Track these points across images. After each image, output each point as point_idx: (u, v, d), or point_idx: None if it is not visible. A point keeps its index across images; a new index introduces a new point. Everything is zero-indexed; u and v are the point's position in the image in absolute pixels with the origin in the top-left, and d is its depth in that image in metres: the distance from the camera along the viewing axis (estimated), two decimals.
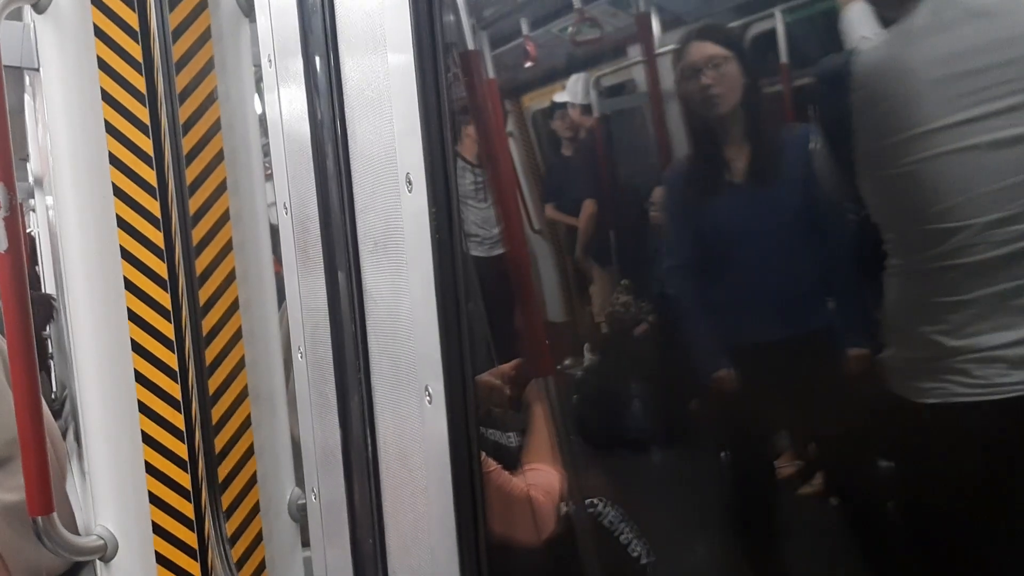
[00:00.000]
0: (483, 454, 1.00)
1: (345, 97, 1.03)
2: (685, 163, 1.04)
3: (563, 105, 1.25)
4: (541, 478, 1.32)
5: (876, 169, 0.84)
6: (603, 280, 1.27)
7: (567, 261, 1.31)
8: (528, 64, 1.24)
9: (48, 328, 4.09)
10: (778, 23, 0.90)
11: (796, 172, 0.92)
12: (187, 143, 1.71)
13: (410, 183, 0.85)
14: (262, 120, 1.75)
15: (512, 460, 1.31)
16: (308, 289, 1.17)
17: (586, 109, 1.20)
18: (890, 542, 0.88)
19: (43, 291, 4.24)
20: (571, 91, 1.24)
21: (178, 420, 1.69)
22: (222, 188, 1.74)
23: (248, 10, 1.73)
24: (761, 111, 0.94)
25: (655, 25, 1.09)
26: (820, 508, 0.94)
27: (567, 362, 1.29)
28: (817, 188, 0.90)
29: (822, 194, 0.90)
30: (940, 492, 0.81)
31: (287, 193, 1.21)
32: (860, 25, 0.80)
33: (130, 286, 1.66)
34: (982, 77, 0.76)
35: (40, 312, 3.48)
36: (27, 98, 3.24)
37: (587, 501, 1.29)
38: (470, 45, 1.11)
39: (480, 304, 1.05)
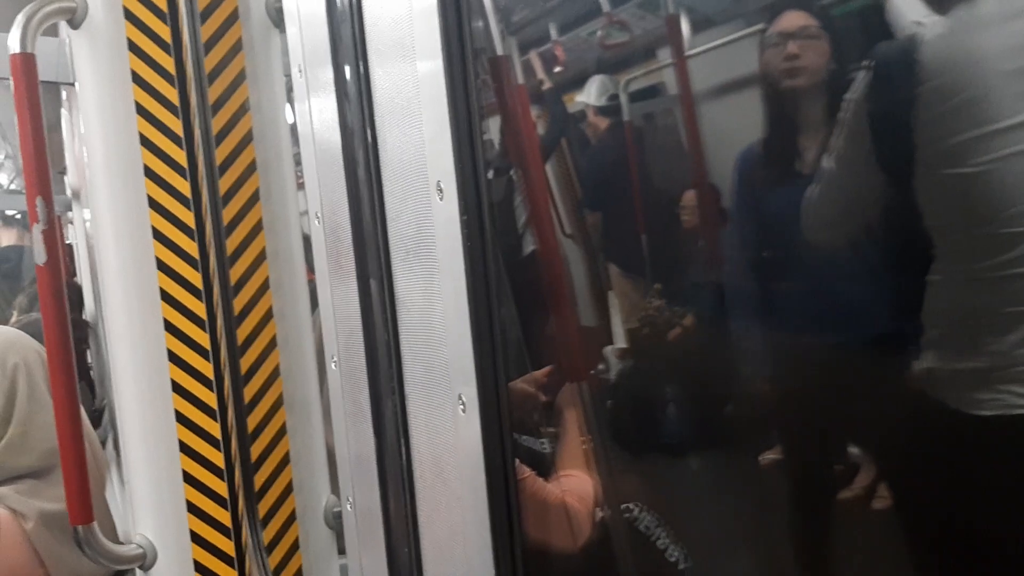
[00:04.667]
0: (517, 461, 1.00)
1: (375, 104, 1.03)
2: (742, 169, 1.03)
3: (598, 107, 1.24)
4: (576, 484, 1.31)
5: (942, 169, 0.81)
6: (638, 283, 1.26)
7: (601, 265, 1.30)
8: (559, 68, 1.24)
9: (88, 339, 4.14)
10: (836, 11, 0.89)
11: (859, 168, 0.89)
12: (220, 154, 1.72)
13: (441, 191, 0.85)
14: (294, 130, 1.76)
15: (547, 467, 1.31)
16: (341, 297, 1.17)
17: (620, 110, 1.20)
18: (939, 556, 0.86)
19: (82, 299, 4.30)
20: (604, 92, 1.23)
21: (215, 429, 1.70)
22: (255, 198, 1.75)
23: (278, 21, 1.74)
24: (827, 101, 0.92)
25: (685, 27, 1.08)
26: (863, 517, 0.92)
27: (600, 367, 1.28)
28: (879, 188, 0.88)
29: (883, 194, 0.88)
30: (997, 507, 0.79)
31: (319, 202, 1.21)
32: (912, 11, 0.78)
33: (166, 296, 1.68)
34: None
35: (78, 334, 3.53)
36: (63, 112, 3.29)
37: (623, 507, 1.28)
38: (500, 51, 1.10)
39: (513, 310, 1.04)
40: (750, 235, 1.06)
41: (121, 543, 1.74)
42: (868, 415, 0.91)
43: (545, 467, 1.30)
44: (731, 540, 1.12)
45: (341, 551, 1.78)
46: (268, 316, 1.75)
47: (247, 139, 1.74)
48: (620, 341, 1.28)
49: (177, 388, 1.68)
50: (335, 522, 1.79)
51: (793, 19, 0.92)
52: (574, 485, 1.32)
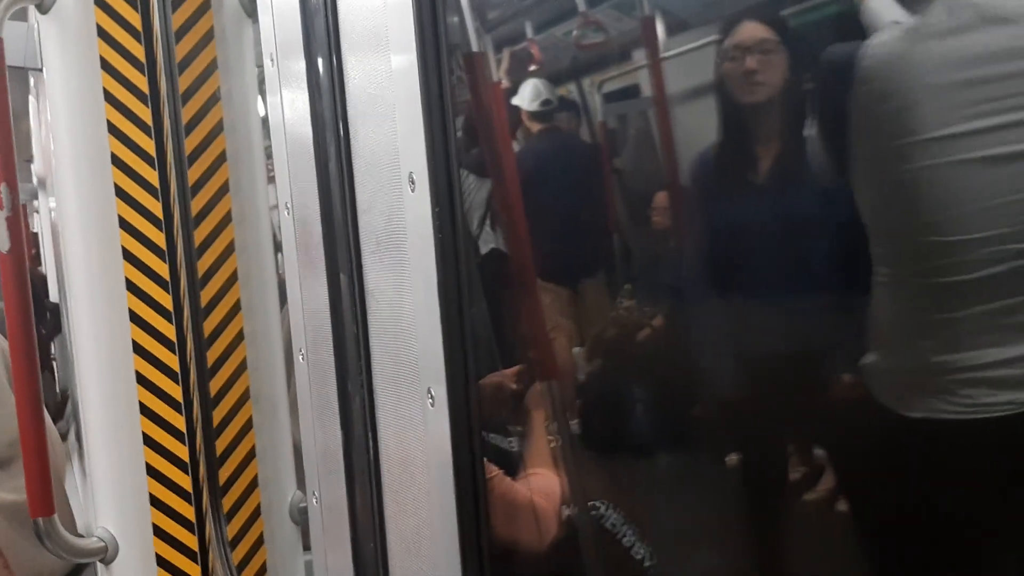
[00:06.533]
0: (484, 460, 0.99)
1: (347, 97, 1.02)
2: (700, 162, 1.03)
3: (569, 106, 1.24)
4: (543, 483, 1.31)
5: (876, 173, 0.82)
6: (607, 284, 1.26)
7: (572, 264, 1.30)
8: (534, 67, 1.24)
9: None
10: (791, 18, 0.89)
11: (806, 174, 0.90)
12: (189, 144, 1.70)
13: (413, 182, 0.84)
14: (265, 122, 1.74)
15: (514, 465, 1.31)
16: (309, 290, 1.16)
17: (594, 110, 1.20)
18: (870, 553, 0.87)
19: (48, 292, 4.24)
20: (536, 97, 1.24)
21: (179, 422, 1.68)
22: (224, 189, 1.73)
23: (251, 10, 1.72)
24: (782, 108, 0.93)
25: (660, 28, 1.08)
26: (814, 516, 0.93)
27: (569, 366, 1.28)
28: (818, 190, 0.89)
29: (822, 196, 0.89)
30: (922, 507, 0.80)
31: (288, 193, 1.20)
32: (885, 13, 0.78)
33: (132, 287, 1.66)
34: (991, 88, 0.74)
35: (53, 321, 3.48)
36: (31, 99, 3.24)
37: (589, 504, 1.28)
38: (475, 46, 1.10)
39: (483, 307, 1.04)
40: (710, 237, 1.07)
41: (81, 536, 1.71)
42: (818, 414, 0.92)
43: (513, 466, 1.30)
44: (697, 537, 1.12)
45: (306, 547, 1.77)
46: (236, 309, 1.74)
47: (217, 130, 1.72)
48: (590, 340, 1.28)
49: (142, 380, 1.66)
50: (301, 518, 1.77)
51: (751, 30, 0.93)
52: (542, 483, 1.32)
